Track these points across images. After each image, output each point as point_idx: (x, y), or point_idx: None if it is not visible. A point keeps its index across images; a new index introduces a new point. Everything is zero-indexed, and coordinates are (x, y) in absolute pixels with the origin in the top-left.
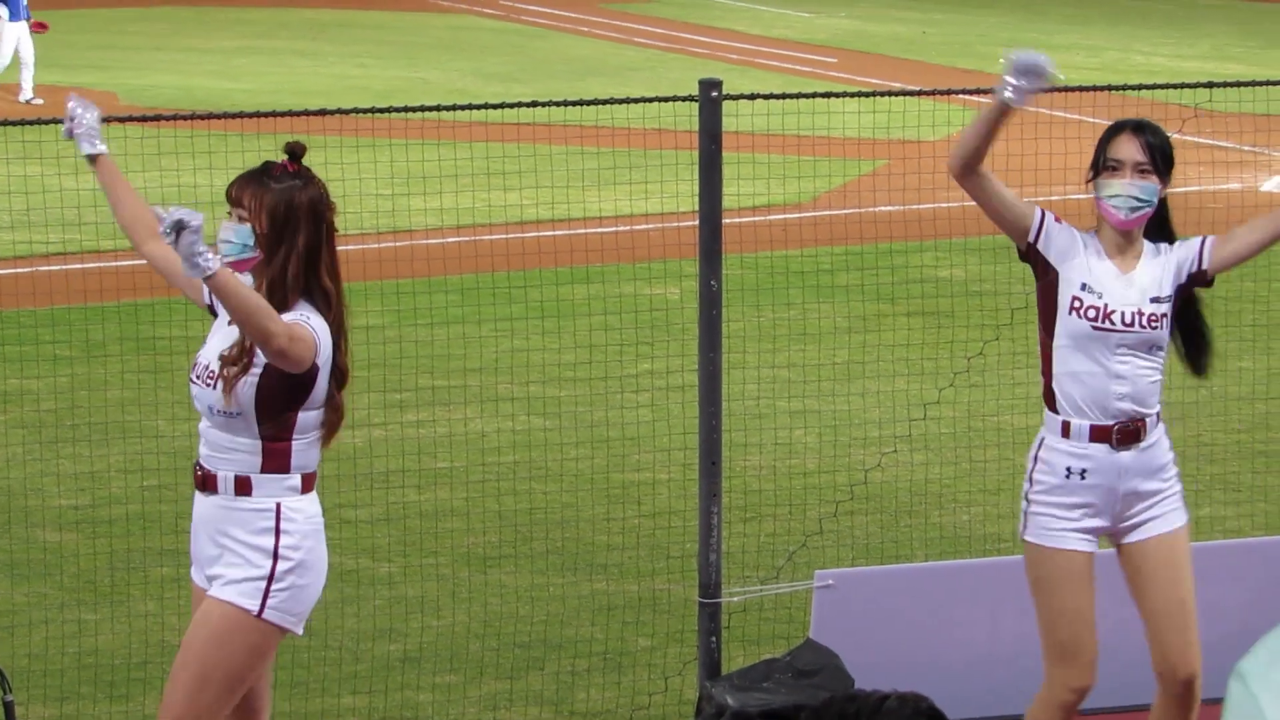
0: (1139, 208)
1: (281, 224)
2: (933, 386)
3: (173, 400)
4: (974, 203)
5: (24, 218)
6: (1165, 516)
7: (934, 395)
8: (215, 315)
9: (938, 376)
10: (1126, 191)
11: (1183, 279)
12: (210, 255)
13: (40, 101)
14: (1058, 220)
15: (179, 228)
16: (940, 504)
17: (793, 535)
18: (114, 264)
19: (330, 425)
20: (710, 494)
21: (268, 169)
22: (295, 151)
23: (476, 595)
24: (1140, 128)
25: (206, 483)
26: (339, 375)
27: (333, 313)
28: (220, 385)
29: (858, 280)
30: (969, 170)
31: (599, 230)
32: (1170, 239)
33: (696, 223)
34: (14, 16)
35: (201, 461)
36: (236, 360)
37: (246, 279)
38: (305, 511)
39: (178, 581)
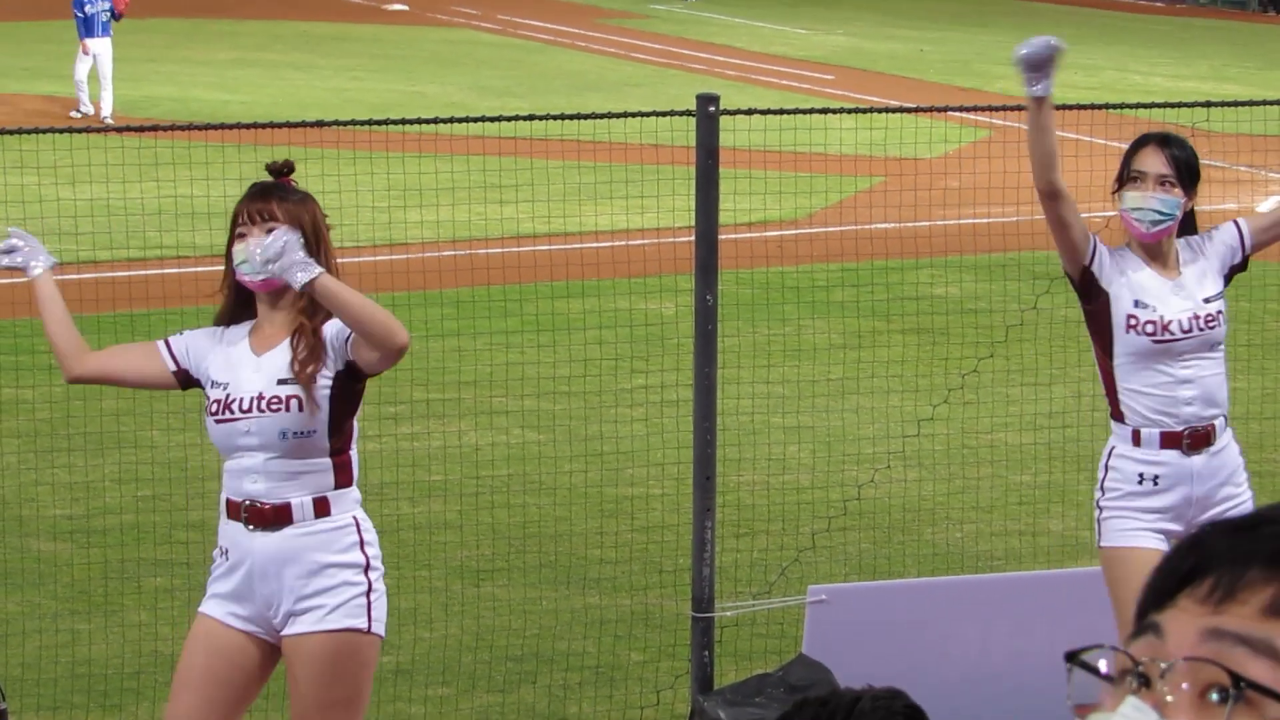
0: (1160, 221)
1: (314, 234)
2: (927, 403)
3: (167, 411)
4: (972, 220)
5: (20, 228)
6: None
7: (928, 412)
8: (188, 385)
9: (932, 393)
10: (1147, 204)
11: (1227, 270)
12: (311, 260)
13: (109, 119)
14: (1100, 242)
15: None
16: (933, 520)
17: (786, 550)
18: (109, 274)
19: None
20: (704, 509)
21: (276, 185)
22: (287, 170)
23: (469, 608)
24: (1166, 141)
25: (278, 517)
26: None
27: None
28: (296, 406)
29: (853, 297)
30: (1053, 181)
31: (595, 245)
32: (1193, 232)
33: (693, 238)
34: (89, 33)
35: (260, 499)
36: (314, 374)
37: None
38: (369, 520)
39: (171, 592)
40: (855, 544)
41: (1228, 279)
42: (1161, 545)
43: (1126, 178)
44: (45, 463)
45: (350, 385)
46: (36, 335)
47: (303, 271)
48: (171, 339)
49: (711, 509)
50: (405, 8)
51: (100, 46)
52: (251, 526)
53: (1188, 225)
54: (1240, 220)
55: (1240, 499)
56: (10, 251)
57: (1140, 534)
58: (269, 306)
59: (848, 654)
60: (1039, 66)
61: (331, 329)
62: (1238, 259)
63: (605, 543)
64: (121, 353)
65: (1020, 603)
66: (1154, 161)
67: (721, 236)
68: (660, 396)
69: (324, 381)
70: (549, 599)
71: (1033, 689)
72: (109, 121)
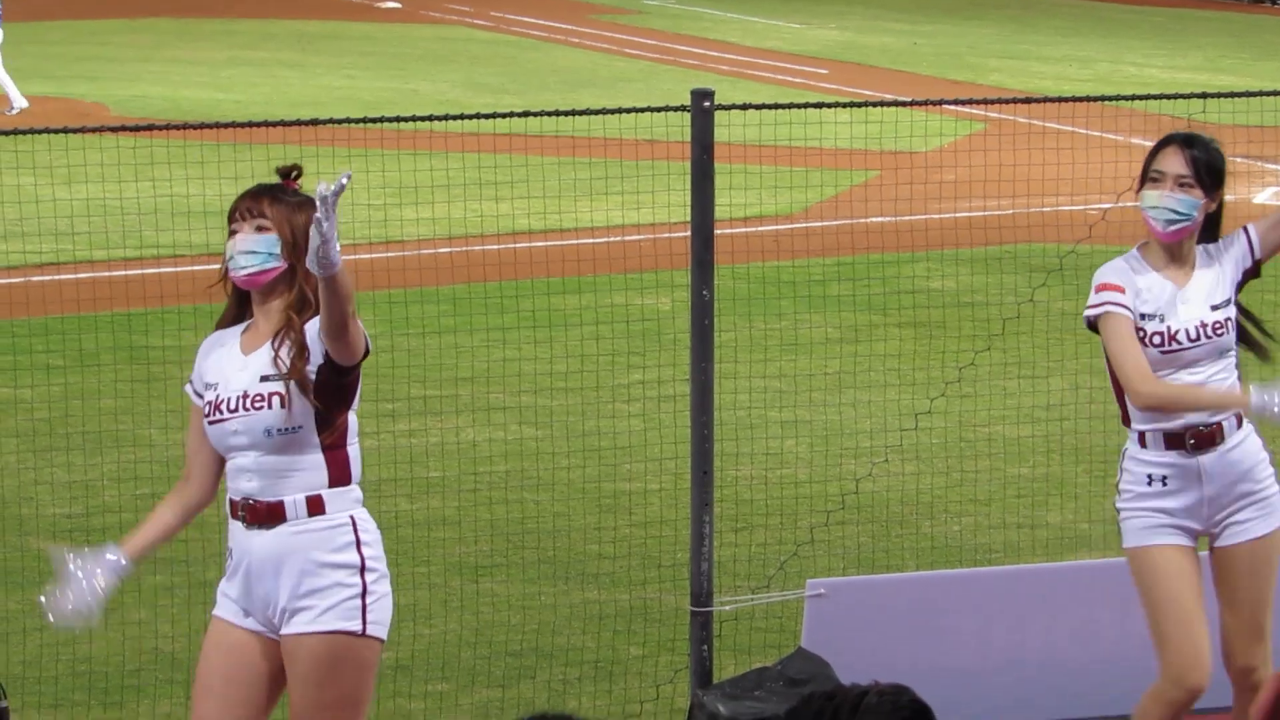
0: (1176, 220)
1: (305, 236)
2: (924, 397)
3: (165, 410)
4: (968, 213)
5: (17, 227)
6: (1259, 520)
7: (925, 405)
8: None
9: (929, 387)
10: (1164, 204)
11: (1239, 276)
12: (339, 250)
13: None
14: (1122, 298)
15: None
16: (931, 514)
17: (784, 545)
18: (106, 274)
19: None
20: (702, 503)
21: (278, 186)
22: (294, 173)
23: (468, 604)
24: (1189, 142)
25: (271, 515)
26: None
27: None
28: (278, 402)
29: (849, 291)
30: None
31: (590, 240)
32: (1214, 239)
33: (688, 233)
34: None
35: (255, 497)
36: (304, 369)
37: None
38: (370, 520)
39: (170, 590)
40: (853, 538)
41: (1240, 285)
42: (1183, 541)
43: (1147, 177)
44: (44, 462)
45: (336, 378)
46: (35, 335)
47: (321, 261)
48: (190, 381)
49: (709, 503)
50: (398, 5)
51: None
52: (248, 525)
53: (1211, 229)
54: (1250, 226)
55: (1262, 494)
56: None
57: (1160, 531)
58: (259, 304)
59: (847, 648)
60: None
61: (312, 324)
62: (1249, 263)
63: (603, 538)
64: (196, 445)
65: (1018, 596)
66: (1174, 162)
67: (717, 231)
68: (657, 392)
69: (309, 373)
70: (547, 594)
71: (1032, 681)
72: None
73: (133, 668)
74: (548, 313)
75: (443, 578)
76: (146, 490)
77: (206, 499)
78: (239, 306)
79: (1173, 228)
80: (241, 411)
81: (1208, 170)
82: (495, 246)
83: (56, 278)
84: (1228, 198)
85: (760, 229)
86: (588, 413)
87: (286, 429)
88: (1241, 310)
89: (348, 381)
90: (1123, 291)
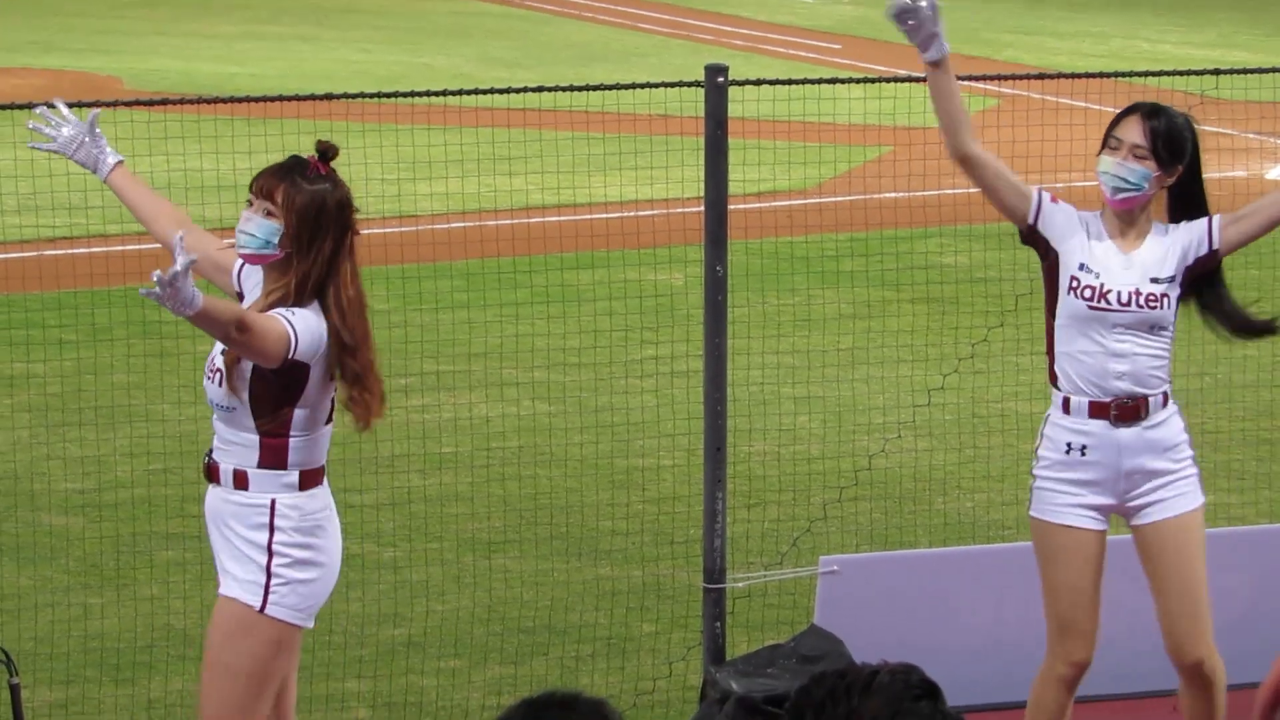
0: (1124, 189)
1: (312, 226)
2: (937, 373)
3: (178, 385)
4: (977, 189)
5: (30, 201)
6: (1177, 499)
7: (938, 381)
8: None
9: (942, 363)
10: (1114, 171)
11: (1190, 261)
12: (198, 294)
13: None
14: (1054, 200)
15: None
16: (944, 490)
17: (797, 521)
18: (120, 248)
19: (363, 407)
20: (715, 479)
21: (300, 166)
22: (328, 153)
23: (481, 580)
24: (1152, 113)
25: (211, 473)
26: (355, 379)
27: (348, 320)
28: (219, 379)
29: (862, 266)
30: (961, 142)
31: (604, 216)
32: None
33: (702, 209)
34: None
35: (210, 452)
36: (237, 357)
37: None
38: (303, 508)
39: (182, 566)
40: (866, 514)
41: (1191, 270)
42: (1091, 524)
43: (1106, 143)
44: (56, 437)
45: (276, 375)
46: (47, 309)
47: (186, 306)
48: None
49: (722, 480)
50: None
51: None
52: (205, 477)
53: (1193, 203)
54: (1216, 216)
55: (1180, 474)
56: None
57: (1071, 511)
58: (264, 275)
59: (860, 624)
60: (902, 16)
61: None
62: (1203, 251)
63: (616, 514)
64: (209, 243)
65: (1031, 572)
66: (1133, 131)
67: (730, 207)
68: (670, 367)
69: (245, 365)
70: (560, 571)
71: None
72: None
73: (144, 644)
74: (561, 288)
75: (455, 554)
76: (159, 466)
77: (167, 240)
78: None
79: (1120, 195)
80: (208, 376)
81: (1167, 142)
82: (508, 221)
83: (69, 252)
84: (1239, 173)
85: (774, 204)
86: (600, 388)
87: (224, 406)
88: (1219, 300)
89: (286, 381)
90: (1054, 201)
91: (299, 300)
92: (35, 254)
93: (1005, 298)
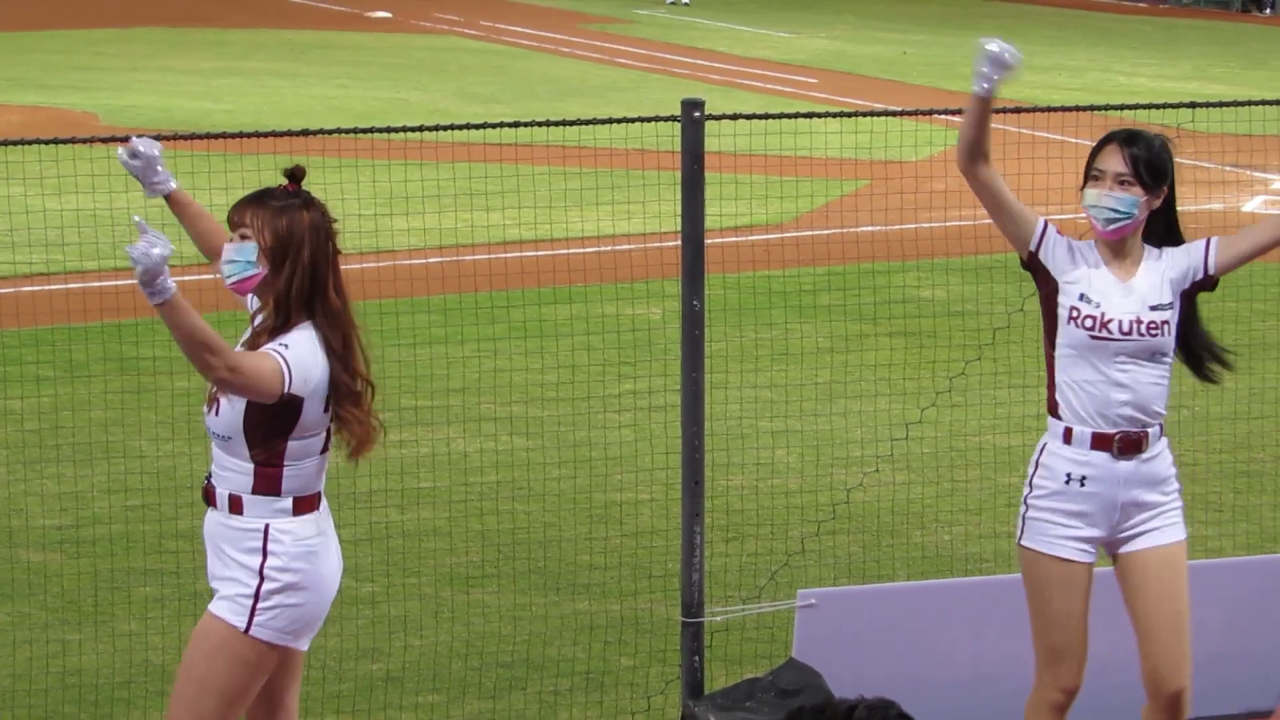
0: (1115, 219)
1: (285, 240)
2: (914, 406)
3: (155, 421)
4: (958, 222)
5: (6, 238)
6: (1164, 530)
7: (916, 415)
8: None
9: (919, 396)
10: (1102, 202)
11: (1187, 285)
12: (171, 282)
13: None
14: (1059, 231)
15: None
16: (922, 524)
17: (775, 555)
18: (96, 284)
19: (358, 439)
20: (693, 513)
21: (267, 191)
22: (295, 174)
23: (459, 615)
24: (1130, 140)
25: (208, 496)
26: (348, 394)
27: (339, 330)
28: (216, 409)
29: (839, 300)
30: (973, 162)
31: (581, 250)
32: (1176, 243)
33: (679, 243)
34: None
35: (209, 477)
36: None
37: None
38: (296, 534)
39: (161, 601)
40: (844, 547)
41: (1188, 294)
42: (1081, 556)
43: (1089, 176)
44: (34, 473)
45: (269, 407)
46: (24, 345)
47: (150, 291)
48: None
49: (700, 514)
50: (389, 15)
51: None
52: (204, 499)
53: (1170, 230)
54: (1213, 239)
55: (1168, 506)
56: (134, 157)
57: (1063, 543)
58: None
59: (838, 658)
60: (992, 64)
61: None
62: (1199, 275)
63: (594, 548)
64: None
65: (1010, 605)
66: (1114, 160)
67: (707, 241)
68: (648, 402)
69: (238, 399)
70: (538, 605)
71: (1023, 692)
72: None
73: (123, 680)
74: (538, 323)
75: (433, 589)
76: (137, 501)
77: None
78: None
79: (1112, 226)
80: (205, 404)
81: (1148, 168)
82: (486, 256)
83: (46, 288)
84: (1216, 206)
85: (750, 238)
86: (578, 423)
87: (220, 435)
88: (1196, 332)
89: (280, 414)
90: (1059, 232)
91: (288, 314)
92: (12, 290)
93: (983, 331)
